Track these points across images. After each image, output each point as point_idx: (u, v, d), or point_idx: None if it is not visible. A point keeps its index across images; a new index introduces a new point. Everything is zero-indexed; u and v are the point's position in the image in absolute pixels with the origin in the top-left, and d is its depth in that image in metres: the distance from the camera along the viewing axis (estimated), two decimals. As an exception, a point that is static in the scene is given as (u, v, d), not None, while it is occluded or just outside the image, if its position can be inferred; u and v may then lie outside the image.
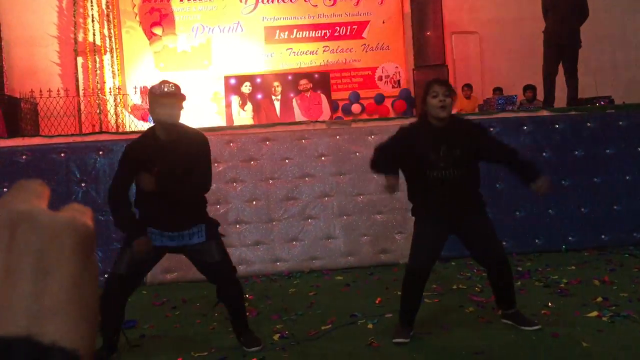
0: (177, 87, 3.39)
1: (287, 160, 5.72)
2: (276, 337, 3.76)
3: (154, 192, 3.35)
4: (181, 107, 3.40)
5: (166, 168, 3.34)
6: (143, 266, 3.48)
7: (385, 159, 3.64)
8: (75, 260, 0.29)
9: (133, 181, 3.42)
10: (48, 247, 0.28)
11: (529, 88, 9.27)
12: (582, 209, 5.95)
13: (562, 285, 4.59)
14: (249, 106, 9.08)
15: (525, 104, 9.17)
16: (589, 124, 6.03)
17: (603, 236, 5.92)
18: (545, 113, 6.27)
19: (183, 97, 3.39)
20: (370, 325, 3.88)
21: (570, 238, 5.91)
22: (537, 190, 3.50)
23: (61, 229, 0.29)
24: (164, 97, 3.32)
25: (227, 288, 3.57)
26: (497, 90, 9.95)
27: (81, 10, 10.32)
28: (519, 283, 4.73)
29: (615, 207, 5.97)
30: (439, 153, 3.49)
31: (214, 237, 3.52)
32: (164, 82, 3.42)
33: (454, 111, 8.75)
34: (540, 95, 8.35)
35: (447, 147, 3.49)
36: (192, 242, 3.47)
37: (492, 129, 5.92)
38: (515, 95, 8.14)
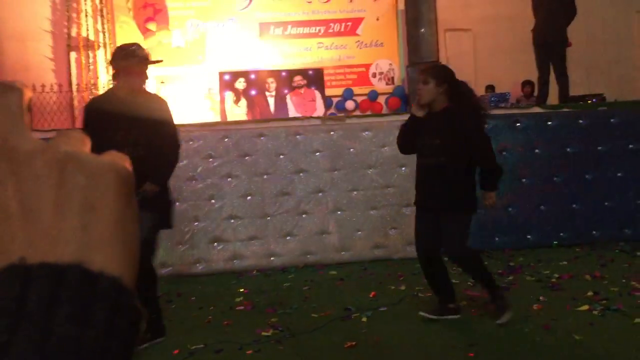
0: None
1: (281, 156, 5.74)
2: (271, 331, 3.78)
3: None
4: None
5: (125, 124, 3.38)
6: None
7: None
8: (118, 198, 0.32)
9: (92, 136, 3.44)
10: (94, 186, 0.31)
11: (528, 84, 9.32)
12: (574, 205, 6.01)
13: (554, 280, 4.64)
14: (243, 102, 9.09)
15: (523, 100, 9.23)
16: (580, 121, 6.09)
17: (594, 232, 5.98)
18: (537, 110, 6.32)
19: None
20: (364, 319, 3.91)
21: (561, 234, 5.96)
22: (485, 202, 3.81)
23: (105, 169, 0.32)
24: (146, 63, 3.40)
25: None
26: (489, 87, 10.01)
27: (75, 5, 10.28)
28: (511, 277, 4.79)
29: (606, 204, 6.02)
30: (425, 140, 3.64)
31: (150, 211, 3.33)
32: (139, 46, 3.50)
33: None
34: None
35: (433, 134, 3.62)
36: None
37: (485, 126, 5.97)
38: (508, 93, 8.19)
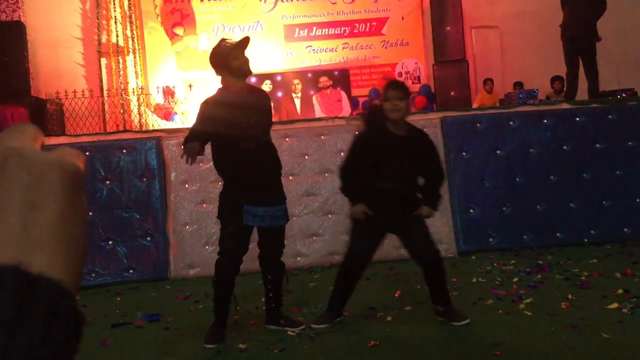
0: None
1: (306, 157, 5.78)
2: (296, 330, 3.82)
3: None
4: None
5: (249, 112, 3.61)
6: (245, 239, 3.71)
7: (355, 188, 3.76)
8: (63, 197, 0.30)
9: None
10: (36, 183, 0.29)
11: (557, 79, 9.18)
12: (604, 202, 5.90)
13: (583, 278, 4.57)
14: (269, 104, 9.15)
15: (553, 96, 9.10)
16: (610, 117, 5.98)
17: (625, 229, 5.87)
18: (565, 106, 6.23)
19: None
20: (389, 318, 3.92)
21: (592, 231, 5.87)
22: (421, 212, 3.70)
23: (50, 166, 0.30)
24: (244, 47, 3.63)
25: (274, 269, 3.82)
26: (518, 84, 9.90)
27: (104, 12, 10.52)
28: (539, 276, 4.73)
29: (638, 200, 5.91)
30: (392, 166, 3.58)
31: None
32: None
33: (474, 106, 8.71)
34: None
35: (401, 160, 3.58)
36: (275, 224, 3.67)
37: (512, 123, 5.92)
38: (537, 90, 8.08)
